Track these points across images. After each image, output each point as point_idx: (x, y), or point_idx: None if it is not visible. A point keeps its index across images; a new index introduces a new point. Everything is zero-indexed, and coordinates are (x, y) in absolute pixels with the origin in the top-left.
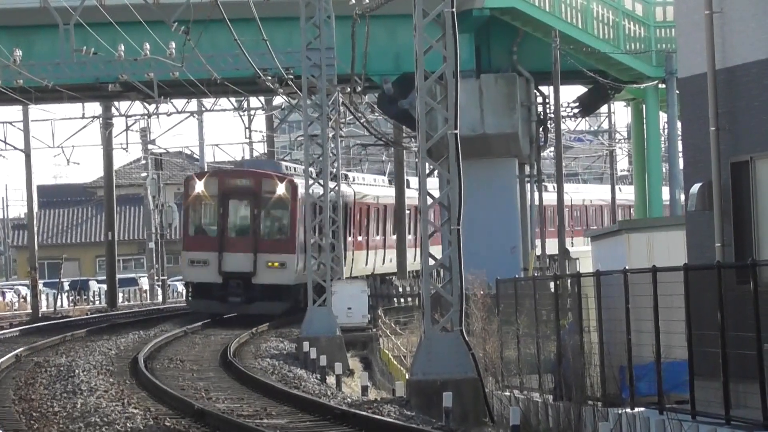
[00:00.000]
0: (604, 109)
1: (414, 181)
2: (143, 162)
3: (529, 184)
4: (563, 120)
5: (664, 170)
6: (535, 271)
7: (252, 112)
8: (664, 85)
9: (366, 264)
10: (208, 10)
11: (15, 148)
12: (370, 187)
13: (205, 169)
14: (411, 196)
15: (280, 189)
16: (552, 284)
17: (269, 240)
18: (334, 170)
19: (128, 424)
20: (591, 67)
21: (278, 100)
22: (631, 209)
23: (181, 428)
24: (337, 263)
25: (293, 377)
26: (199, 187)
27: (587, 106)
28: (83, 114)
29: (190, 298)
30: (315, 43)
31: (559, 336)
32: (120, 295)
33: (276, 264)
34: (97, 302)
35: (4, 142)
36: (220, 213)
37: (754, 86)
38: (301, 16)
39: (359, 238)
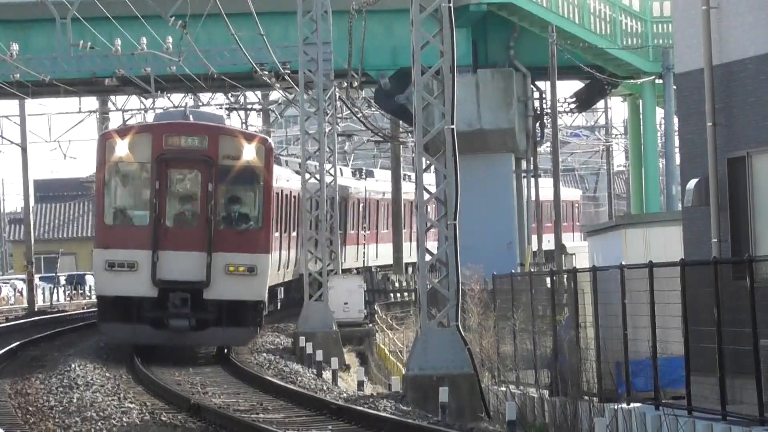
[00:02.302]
0: (600, 104)
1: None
2: None
3: (525, 180)
4: (560, 115)
5: (660, 166)
6: (531, 266)
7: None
8: (660, 81)
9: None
10: (205, 4)
11: (11, 143)
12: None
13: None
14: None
15: (248, 152)
16: (548, 279)
17: (231, 231)
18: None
19: (124, 419)
20: (588, 62)
21: (275, 95)
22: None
23: (177, 423)
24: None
25: (289, 372)
26: (122, 149)
27: (584, 102)
28: (80, 108)
29: (102, 319)
30: (312, 37)
31: (555, 331)
32: None
33: (241, 269)
34: (94, 296)
35: (1, 136)
36: (155, 190)
37: (750, 82)
38: (298, 11)
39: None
